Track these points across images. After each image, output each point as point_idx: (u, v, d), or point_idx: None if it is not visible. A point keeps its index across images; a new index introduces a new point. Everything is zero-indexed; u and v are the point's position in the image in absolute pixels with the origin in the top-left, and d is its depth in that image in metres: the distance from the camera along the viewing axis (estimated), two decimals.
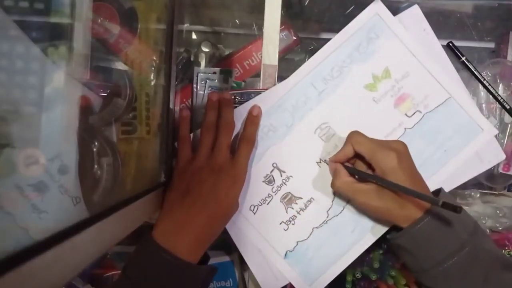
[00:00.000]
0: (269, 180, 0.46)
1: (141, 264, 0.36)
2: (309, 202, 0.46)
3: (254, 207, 0.46)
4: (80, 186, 0.32)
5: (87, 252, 0.27)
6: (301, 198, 0.46)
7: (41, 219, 0.29)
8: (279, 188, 0.46)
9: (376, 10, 0.46)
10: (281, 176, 0.46)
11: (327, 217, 0.45)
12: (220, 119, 0.43)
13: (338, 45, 0.47)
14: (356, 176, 0.42)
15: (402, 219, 0.39)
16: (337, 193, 0.45)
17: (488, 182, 0.52)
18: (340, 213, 0.45)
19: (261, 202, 0.46)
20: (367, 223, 0.45)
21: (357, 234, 0.45)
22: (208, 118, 0.44)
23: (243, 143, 0.43)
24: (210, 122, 0.44)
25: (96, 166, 0.35)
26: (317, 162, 0.46)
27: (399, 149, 0.40)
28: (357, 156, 0.42)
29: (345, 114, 0.46)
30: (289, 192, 0.46)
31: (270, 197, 0.46)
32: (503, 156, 0.48)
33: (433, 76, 0.46)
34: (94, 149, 0.35)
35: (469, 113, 0.46)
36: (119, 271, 0.53)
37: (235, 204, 0.42)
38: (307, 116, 0.46)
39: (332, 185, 0.43)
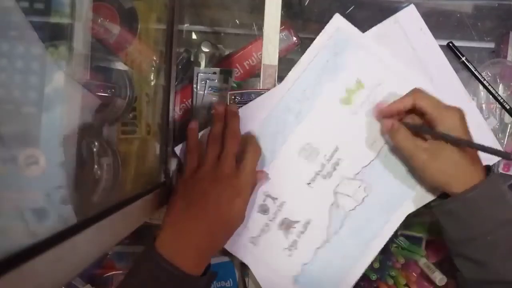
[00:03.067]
0: (264, 210, 0.46)
1: (142, 274, 0.36)
2: (307, 224, 0.45)
3: (254, 238, 0.46)
4: (79, 186, 0.32)
5: (87, 252, 0.27)
6: (299, 221, 0.45)
7: (41, 219, 0.29)
8: (275, 216, 0.46)
9: (337, 25, 0.46)
10: (275, 203, 0.46)
11: (328, 236, 0.45)
12: (227, 130, 0.43)
13: (306, 65, 0.46)
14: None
15: (457, 184, 0.38)
16: (397, 148, 0.43)
17: None
18: (340, 229, 0.45)
19: (260, 232, 0.46)
20: (367, 234, 0.45)
21: (360, 247, 0.45)
22: (214, 130, 0.44)
23: (249, 153, 0.43)
24: (216, 133, 0.44)
25: (96, 166, 0.35)
26: (307, 183, 0.46)
27: (462, 112, 0.39)
28: (412, 112, 0.42)
29: (326, 131, 0.46)
30: (286, 218, 0.46)
31: (267, 226, 0.46)
32: None
33: (406, 79, 0.46)
34: (94, 149, 0.35)
35: None
36: (119, 271, 0.53)
37: (240, 217, 0.41)
38: (288, 140, 0.46)
39: (393, 138, 0.42)
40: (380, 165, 0.45)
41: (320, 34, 0.47)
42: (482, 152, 0.47)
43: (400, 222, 0.45)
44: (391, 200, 0.45)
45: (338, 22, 0.47)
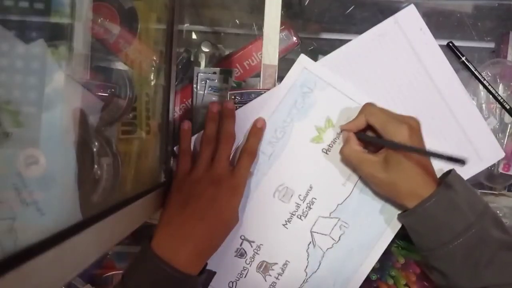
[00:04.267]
0: (241, 253, 0.46)
1: (139, 274, 0.36)
2: (285, 266, 0.45)
3: (233, 283, 0.45)
4: (79, 186, 0.32)
5: (87, 252, 0.27)
6: (276, 263, 0.45)
7: (41, 219, 0.29)
8: (252, 259, 0.45)
9: (303, 65, 0.46)
10: (252, 246, 0.46)
11: (306, 275, 0.45)
12: (221, 131, 0.43)
13: (275, 107, 0.46)
14: (366, 150, 0.42)
15: (405, 194, 0.39)
16: (345, 161, 0.45)
17: (488, 182, 0.52)
18: (318, 268, 0.45)
19: (238, 276, 0.45)
20: (347, 271, 0.45)
21: (341, 285, 0.45)
22: (208, 130, 0.44)
23: (244, 155, 0.43)
24: (210, 134, 0.44)
25: (96, 166, 0.35)
26: (283, 225, 0.46)
27: (412, 124, 0.39)
28: (369, 127, 0.42)
29: (299, 171, 0.46)
30: (263, 260, 0.45)
31: (245, 269, 0.45)
32: (502, 154, 0.48)
33: None
34: (94, 149, 0.35)
35: None
36: (119, 271, 0.53)
37: (235, 216, 0.42)
38: (262, 182, 0.46)
39: (341, 152, 0.43)
40: (355, 201, 0.45)
41: (287, 75, 0.47)
42: (482, 151, 0.47)
43: (382, 251, 0.45)
44: (369, 235, 0.45)
45: (303, 62, 0.46)
